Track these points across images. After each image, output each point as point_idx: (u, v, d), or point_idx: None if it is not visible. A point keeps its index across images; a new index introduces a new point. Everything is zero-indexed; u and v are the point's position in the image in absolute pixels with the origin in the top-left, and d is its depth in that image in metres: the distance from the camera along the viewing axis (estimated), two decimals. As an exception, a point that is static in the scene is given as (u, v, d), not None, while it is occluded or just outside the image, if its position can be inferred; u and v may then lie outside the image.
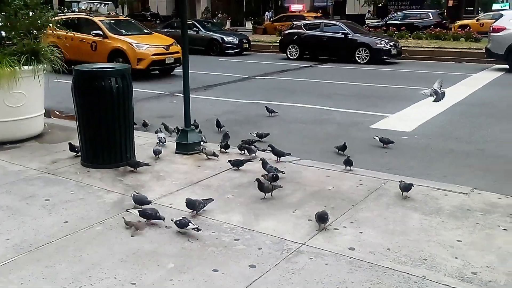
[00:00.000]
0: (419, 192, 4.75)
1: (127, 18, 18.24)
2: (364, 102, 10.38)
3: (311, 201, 4.56)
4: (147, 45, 14.12)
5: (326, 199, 4.60)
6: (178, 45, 14.06)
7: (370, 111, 9.40)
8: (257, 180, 4.60)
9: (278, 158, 5.68)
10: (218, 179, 5.09)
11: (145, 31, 15.97)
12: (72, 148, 5.80)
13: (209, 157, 5.72)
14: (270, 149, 5.77)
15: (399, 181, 4.67)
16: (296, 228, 3.99)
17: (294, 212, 4.31)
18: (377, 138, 6.93)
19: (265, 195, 4.57)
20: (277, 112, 9.06)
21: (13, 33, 6.56)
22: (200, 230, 3.80)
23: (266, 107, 9.14)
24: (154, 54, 13.99)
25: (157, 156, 5.72)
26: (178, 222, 3.82)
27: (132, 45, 13.93)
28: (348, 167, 5.43)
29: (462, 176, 5.67)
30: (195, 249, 3.62)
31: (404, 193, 4.56)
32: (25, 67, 6.21)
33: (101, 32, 14.31)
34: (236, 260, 3.46)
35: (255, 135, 7.20)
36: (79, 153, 5.65)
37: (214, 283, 3.17)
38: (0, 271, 3.30)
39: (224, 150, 6.04)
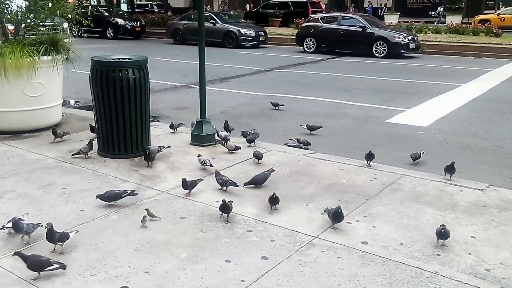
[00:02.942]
0: (434, 188, 4.73)
1: None
2: (381, 97, 10.31)
3: (324, 194, 4.56)
4: None
5: (340, 192, 4.60)
6: None
7: (387, 106, 9.34)
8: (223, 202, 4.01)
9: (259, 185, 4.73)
10: (232, 171, 5.11)
11: None
12: (92, 129, 6.06)
13: (232, 151, 5.73)
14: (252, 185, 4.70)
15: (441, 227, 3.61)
16: (309, 221, 4.00)
17: (307, 205, 4.32)
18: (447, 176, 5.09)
19: (221, 214, 4.02)
20: (282, 104, 9.02)
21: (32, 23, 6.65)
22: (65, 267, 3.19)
23: (270, 102, 9.09)
24: None
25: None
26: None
27: None
28: (369, 162, 5.35)
29: (478, 172, 5.62)
30: (208, 240, 3.65)
31: (440, 241, 3.61)
32: (44, 57, 6.28)
33: None
34: (248, 252, 3.49)
35: (305, 127, 7.18)
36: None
37: (226, 273, 3.20)
38: (17, 258, 3.37)
39: (249, 144, 6.04)
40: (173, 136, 6.45)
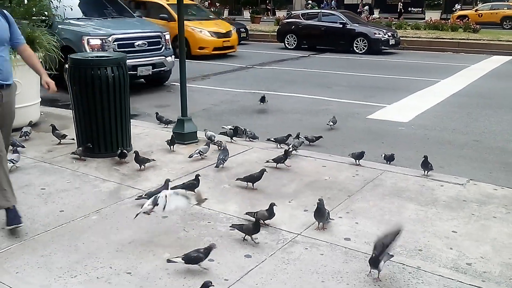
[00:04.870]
0: (415, 183, 4.77)
1: None
2: (361, 93, 10.36)
3: (307, 191, 4.56)
4: None
5: (322, 189, 4.60)
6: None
7: (367, 102, 9.39)
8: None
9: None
10: (214, 169, 5.08)
11: None
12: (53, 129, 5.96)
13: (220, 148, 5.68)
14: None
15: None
16: (292, 218, 3.99)
17: (290, 202, 4.31)
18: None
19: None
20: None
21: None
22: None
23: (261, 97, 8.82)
24: None
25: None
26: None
27: None
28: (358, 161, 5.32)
29: (459, 167, 5.69)
30: (191, 239, 3.62)
31: (373, 270, 3.14)
32: (21, 55, 6.14)
33: None
34: (231, 250, 3.47)
35: (331, 123, 7.29)
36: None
37: (209, 272, 3.17)
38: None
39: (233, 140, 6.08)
40: (154, 134, 6.39)
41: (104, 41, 9.30)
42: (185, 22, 14.66)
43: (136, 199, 4.25)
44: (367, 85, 11.33)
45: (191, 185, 4.29)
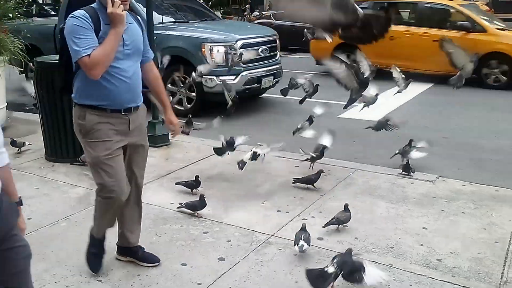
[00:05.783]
0: (386, 181, 4.82)
1: None
2: (333, 92, 10.35)
3: (280, 192, 4.57)
4: None
5: (295, 189, 4.62)
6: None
7: (339, 101, 9.40)
8: None
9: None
10: (187, 171, 5.04)
11: None
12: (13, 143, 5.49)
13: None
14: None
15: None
16: (265, 219, 3.99)
17: (263, 203, 4.31)
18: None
19: None
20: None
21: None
22: None
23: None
24: None
25: None
26: None
27: None
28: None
29: (429, 164, 5.76)
30: (163, 244, 3.58)
31: None
32: (-15, 59, 5.99)
33: None
34: (204, 253, 3.44)
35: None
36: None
37: (182, 277, 3.14)
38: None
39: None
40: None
41: (229, 48, 7.60)
42: (502, 32, 10.81)
43: (177, 207, 4.13)
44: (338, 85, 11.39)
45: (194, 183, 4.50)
